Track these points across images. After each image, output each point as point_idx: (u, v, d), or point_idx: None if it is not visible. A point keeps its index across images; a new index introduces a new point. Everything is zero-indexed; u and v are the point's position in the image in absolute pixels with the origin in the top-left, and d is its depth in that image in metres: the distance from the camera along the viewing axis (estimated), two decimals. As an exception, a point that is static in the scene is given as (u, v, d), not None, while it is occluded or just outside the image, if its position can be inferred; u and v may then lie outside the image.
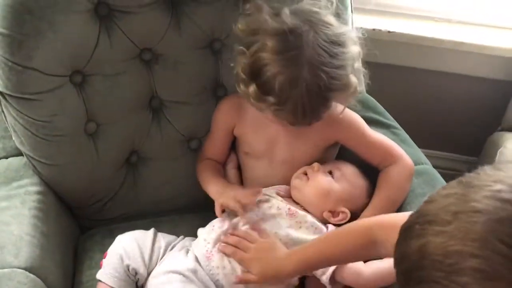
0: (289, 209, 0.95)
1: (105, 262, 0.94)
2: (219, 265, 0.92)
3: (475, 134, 1.56)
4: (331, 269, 0.88)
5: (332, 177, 0.98)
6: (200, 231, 0.99)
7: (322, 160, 1.04)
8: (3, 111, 0.96)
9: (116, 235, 1.06)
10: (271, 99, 0.85)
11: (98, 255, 1.05)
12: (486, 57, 1.41)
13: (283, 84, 0.83)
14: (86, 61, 0.96)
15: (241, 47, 0.89)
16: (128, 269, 0.92)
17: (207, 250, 0.93)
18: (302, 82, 0.83)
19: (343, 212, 0.96)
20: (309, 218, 0.95)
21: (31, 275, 0.85)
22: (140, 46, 1.01)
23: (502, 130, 1.39)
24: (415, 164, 1.02)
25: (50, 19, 0.88)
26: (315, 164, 0.98)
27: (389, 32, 1.39)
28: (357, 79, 0.90)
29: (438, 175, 1.02)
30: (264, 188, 1.01)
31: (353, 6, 1.10)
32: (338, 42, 0.86)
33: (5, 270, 0.83)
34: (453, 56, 1.42)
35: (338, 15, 0.94)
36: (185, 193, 1.15)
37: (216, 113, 1.08)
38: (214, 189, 1.01)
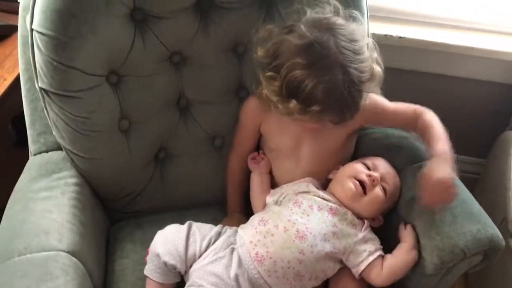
0: (330, 208, 0.99)
1: (148, 258, 0.99)
2: (271, 269, 0.93)
3: (483, 136, 1.60)
4: (364, 264, 0.96)
5: (385, 193, 1.00)
6: (242, 231, 1.00)
7: (346, 148, 1.09)
8: (45, 108, 1.01)
9: (145, 227, 1.13)
10: (316, 108, 0.89)
11: (129, 245, 1.11)
12: (494, 61, 1.45)
13: (325, 91, 0.88)
14: (122, 62, 1.02)
15: (270, 73, 0.93)
16: (166, 265, 0.97)
17: (256, 254, 0.94)
18: (341, 83, 0.88)
19: (380, 220, 1.03)
20: (349, 215, 0.99)
21: (74, 259, 0.91)
22: (170, 49, 1.06)
23: (511, 129, 1.44)
24: (427, 159, 1.07)
25: (92, 23, 0.93)
26: (376, 178, 0.99)
27: (400, 37, 1.43)
28: (379, 67, 0.97)
29: (449, 169, 1.07)
30: (295, 183, 1.06)
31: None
32: (354, 39, 0.92)
33: (51, 252, 0.89)
34: (462, 61, 1.47)
35: (353, 19, 0.99)
36: (209, 188, 1.21)
37: (242, 113, 1.13)
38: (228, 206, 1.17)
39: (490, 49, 1.43)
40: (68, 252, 0.91)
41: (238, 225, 1.05)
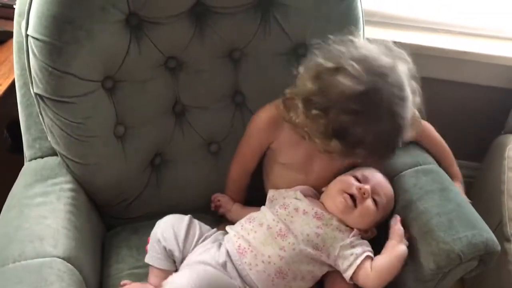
0: (315, 212, 0.99)
1: (148, 247, 1.00)
2: (252, 263, 0.95)
3: (477, 140, 1.61)
4: (352, 268, 0.95)
5: (376, 205, 1.00)
6: (229, 228, 1.03)
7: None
8: (41, 113, 1.01)
9: (141, 232, 1.13)
10: (360, 151, 0.89)
11: (125, 251, 1.11)
12: (488, 65, 1.46)
13: (374, 139, 0.87)
14: (117, 68, 1.02)
15: (316, 112, 0.89)
16: (166, 250, 0.98)
17: (239, 246, 0.97)
18: (390, 132, 0.89)
19: (373, 232, 1.03)
20: (335, 221, 0.99)
21: (69, 265, 0.90)
22: (166, 55, 1.07)
23: (506, 133, 1.45)
24: (424, 165, 1.09)
25: (87, 29, 0.94)
26: (366, 190, 0.99)
27: (394, 42, 1.44)
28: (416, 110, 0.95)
29: (444, 173, 1.08)
30: (287, 189, 1.06)
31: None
32: (403, 85, 0.90)
33: (46, 259, 0.88)
34: (456, 65, 1.47)
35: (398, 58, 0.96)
36: (205, 194, 1.20)
37: (252, 127, 1.09)
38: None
39: (485, 53, 1.44)
40: (63, 258, 0.90)
41: None
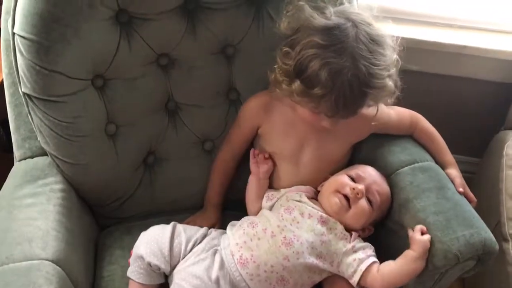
0: (320, 216, 0.98)
1: (131, 260, 0.99)
2: (253, 273, 0.94)
3: (477, 135, 1.59)
4: (358, 274, 0.94)
5: (371, 205, 0.99)
6: (230, 232, 1.01)
7: (345, 157, 1.08)
8: (29, 113, 1.00)
9: (134, 232, 1.11)
10: (316, 90, 0.88)
11: (118, 251, 1.09)
12: (488, 60, 1.43)
13: (329, 74, 0.87)
14: (107, 66, 1.00)
15: (286, 49, 0.93)
16: (151, 266, 0.96)
17: (240, 257, 0.95)
18: (346, 72, 0.88)
19: (370, 229, 1.01)
20: (339, 225, 0.98)
21: (58, 268, 0.89)
22: (157, 52, 1.05)
23: (506, 129, 1.43)
24: (421, 162, 1.07)
25: (75, 26, 0.92)
26: (360, 191, 0.97)
27: (392, 36, 1.42)
28: (394, 85, 0.95)
29: (442, 171, 1.06)
30: (291, 190, 1.05)
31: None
32: (377, 42, 0.92)
33: (34, 261, 0.87)
34: (456, 60, 1.45)
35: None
36: (200, 192, 1.19)
37: (243, 110, 1.11)
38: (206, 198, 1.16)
39: (484, 47, 1.42)
40: (52, 260, 0.89)
41: (208, 224, 1.08)
